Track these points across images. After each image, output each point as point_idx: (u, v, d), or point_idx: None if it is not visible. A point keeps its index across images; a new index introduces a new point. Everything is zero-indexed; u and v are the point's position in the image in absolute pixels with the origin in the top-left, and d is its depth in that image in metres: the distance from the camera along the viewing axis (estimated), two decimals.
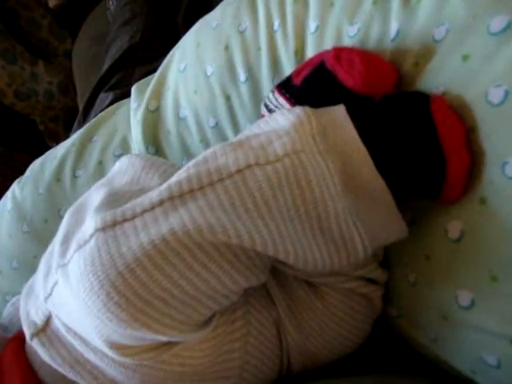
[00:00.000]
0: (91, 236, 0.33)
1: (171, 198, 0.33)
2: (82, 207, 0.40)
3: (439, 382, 0.42)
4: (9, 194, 0.69)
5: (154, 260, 0.31)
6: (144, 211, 0.33)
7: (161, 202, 0.33)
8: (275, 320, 0.41)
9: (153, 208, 0.33)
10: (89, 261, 0.32)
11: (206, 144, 0.56)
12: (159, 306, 0.32)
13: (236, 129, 0.54)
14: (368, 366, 0.45)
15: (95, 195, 0.40)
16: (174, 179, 0.35)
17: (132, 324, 0.32)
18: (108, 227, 0.33)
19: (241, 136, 0.38)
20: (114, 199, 0.37)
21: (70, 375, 0.37)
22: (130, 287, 0.31)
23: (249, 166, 0.33)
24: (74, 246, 0.34)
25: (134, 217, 0.33)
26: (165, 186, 0.34)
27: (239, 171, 0.33)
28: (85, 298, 0.32)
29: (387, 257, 0.43)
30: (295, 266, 0.36)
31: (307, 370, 0.43)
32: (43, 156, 0.71)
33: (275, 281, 0.42)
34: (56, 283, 0.36)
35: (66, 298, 0.34)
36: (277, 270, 0.42)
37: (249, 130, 0.39)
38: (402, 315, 0.43)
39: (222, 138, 0.55)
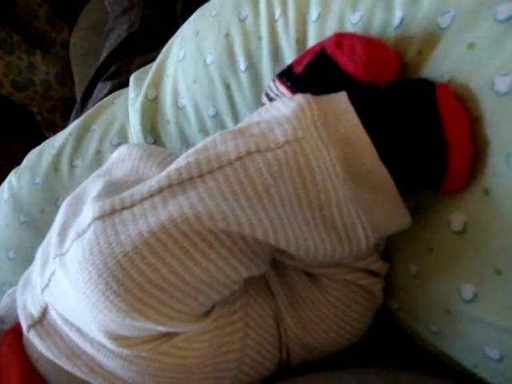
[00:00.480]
0: (89, 225, 0.32)
1: (170, 186, 0.33)
2: (79, 197, 0.40)
3: (440, 374, 0.42)
4: (5, 184, 0.68)
5: (153, 248, 0.31)
6: (143, 199, 0.33)
7: (160, 190, 0.33)
8: (274, 312, 0.40)
9: (152, 196, 0.33)
10: (87, 250, 0.31)
11: (206, 133, 0.56)
12: (158, 294, 0.31)
13: (236, 118, 0.54)
14: (370, 357, 0.44)
15: (93, 186, 0.40)
16: (173, 167, 0.34)
17: (131, 313, 0.31)
18: (106, 215, 0.32)
19: (241, 124, 0.37)
20: (112, 189, 0.37)
21: (67, 367, 0.37)
22: (129, 276, 0.31)
23: (249, 153, 0.33)
24: (72, 235, 0.33)
25: (132, 205, 0.32)
26: (164, 173, 0.34)
27: (239, 158, 0.33)
28: (83, 288, 0.31)
29: (389, 248, 0.42)
30: (296, 256, 0.35)
31: (307, 363, 0.42)
32: (40, 145, 0.70)
33: (274, 272, 0.41)
34: (53, 273, 0.35)
35: (64, 288, 0.34)
36: (276, 261, 0.41)
37: (249, 118, 0.38)
38: (402, 308, 0.43)
39: (222, 127, 0.55)
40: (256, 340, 0.39)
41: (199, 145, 0.35)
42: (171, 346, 0.35)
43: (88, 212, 0.33)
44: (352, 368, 0.41)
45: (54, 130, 1.39)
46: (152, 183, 0.33)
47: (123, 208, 0.32)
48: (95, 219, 0.32)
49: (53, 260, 0.35)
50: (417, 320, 0.41)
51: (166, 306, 0.32)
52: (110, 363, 0.36)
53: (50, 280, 0.36)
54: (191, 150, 0.35)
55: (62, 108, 1.42)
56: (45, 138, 1.38)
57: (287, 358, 0.42)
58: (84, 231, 0.32)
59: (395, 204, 0.35)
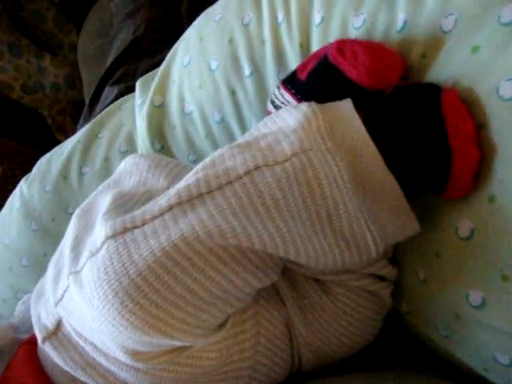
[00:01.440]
0: (102, 244, 0.33)
1: (180, 203, 0.33)
2: (89, 210, 0.40)
3: (451, 377, 0.42)
4: (17, 191, 0.69)
5: (166, 266, 0.31)
6: (154, 217, 0.33)
7: (170, 208, 0.33)
8: (285, 319, 0.41)
9: (162, 214, 0.33)
10: (102, 269, 0.32)
11: (212, 139, 0.56)
12: (173, 311, 0.32)
13: (242, 123, 0.54)
14: (381, 361, 0.45)
15: (102, 198, 0.40)
16: (182, 184, 0.34)
17: (147, 331, 0.32)
18: (118, 234, 0.33)
19: (248, 137, 0.37)
20: (121, 203, 0.37)
21: (83, 378, 0.38)
22: (144, 294, 0.31)
23: (257, 168, 0.33)
24: (86, 253, 0.34)
25: (143, 223, 0.33)
26: (174, 190, 0.34)
27: (248, 173, 0.33)
28: (99, 306, 0.32)
29: (397, 253, 0.42)
30: (306, 265, 0.36)
31: (318, 368, 0.42)
32: (50, 153, 0.71)
33: (284, 280, 0.42)
34: (67, 289, 0.36)
35: (79, 305, 0.34)
36: (286, 269, 0.41)
37: (256, 129, 0.38)
38: (412, 311, 0.43)
39: (228, 133, 0.55)
40: (268, 347, 0.40)
41: (207, 160, 0.35)
42: (186, 357, 0.36)
43: (100, 230, 0.34)
44: (362, 373, 0.42)
45: (65, 132, 1.40)
46: (162, 201, 0.34)
47: (135, 227, 0.33)
48: (107, 238, 0.33)
49: (67, 276, 0.35)
50: (427, 324, 0.41)
51: (181, 322, 0.32)
52: (124, 375, 0.36)
53: (63, 295, 0.36)
54: (200, 166, 0.35)
55: (72, 110, 1.43)
56: (56, 140, 1.39)
57: (299, 363, 0.42)
58: (97, 250, 0.33)
59: (403, 211, 0.35)
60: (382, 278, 0.41)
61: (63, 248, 0.40)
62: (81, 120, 0.87)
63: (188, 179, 0.34)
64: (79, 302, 0.34)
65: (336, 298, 0.41)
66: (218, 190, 0.33)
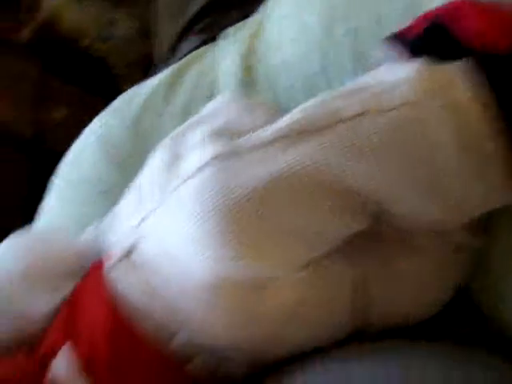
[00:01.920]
0: (206, 164, 0.34)
1: (290, 135, 0.34)
2: (177, 142, 0.41)
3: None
4: (95, 123, 0.70)
5: (272, 193, 0.32)
6: (263, 145, 0.34)
7: (280, 138, 0.34)
8: (357, 275, 0.40)
9: (271, 142, 0.34)
10: (204, 188, 0.33)
11: (296, 92, 0.54)
12: (272, 238, 0.33)
13: (329, 82, 0.53)
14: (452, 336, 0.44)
15: (191, 132, 0.41)
16: (292, 117, 0.35)
17: (244, 253, 0.32)
18: (226, 156, 0.34)
19: (360, 82, 0.38)
20: (220, 135, 0.38)
21: (145, 307, 0.38)
22: (247, 217, 0.32)
23: (369, 111, 0.34)
24: (184, 173, 0.35)
25: (252, 149, 0.34)
26: (283, 123, 0.35)
27: (360, 114, 0.33)
28: (196, 223, 0.32)
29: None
30: (399, 215, 0.36)
31: (386, 329, 0.42)
32: (131, 90, 0.71)
33: (367, 238, 0.41)
34: (154, 210, 0.37)
35: (167, 226, 0.35)
36: (371, 233, 0.41)
37: (367, 76, 0.38)
38: (486, 288, 0.42)
39: (313, 88, 0.53)
40: (334, 298, 0.39)
41: (318, 99, 0.36)
42: (263, 296, 0.35)
43: (204, 151, 0.35)
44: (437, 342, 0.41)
45: (132, 84, 1.41)
46: (267, 133, 0.34)
47: (244, 151, 0.34)
48: (213, 159, 0.34)
49: (157, 197, 0.36)
50: (501, 303, 0.40)
51: (276, 251, 0.33)
52: (192, 306, 0.36)
53: (148, 216, 0.37)
54: (308, 104, 0.36)
55: (142, 63, 1.44)
56: (121, 91, 1.41)
57: (366, 321, 0.41)
58: (200, 170, 0.34)
59: (504, 179, 0.34)
60: (462, 249, 0.40)
61: (150, 173, 0.41)
62: (157, 69, 0.87)
63: (295, 114, 0.35)
64: (169, 222, 0.35)
65: (415, 263, 0.40)
66: (328, 127, 0.33)
